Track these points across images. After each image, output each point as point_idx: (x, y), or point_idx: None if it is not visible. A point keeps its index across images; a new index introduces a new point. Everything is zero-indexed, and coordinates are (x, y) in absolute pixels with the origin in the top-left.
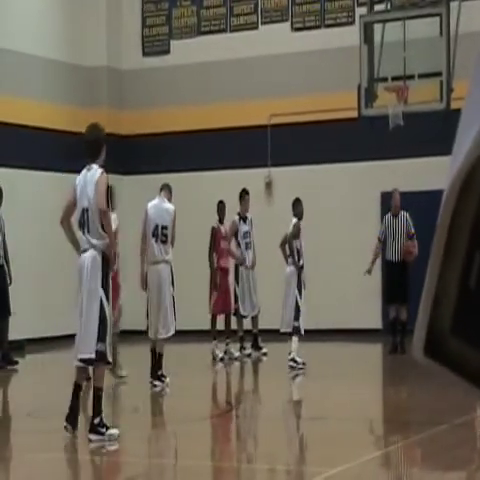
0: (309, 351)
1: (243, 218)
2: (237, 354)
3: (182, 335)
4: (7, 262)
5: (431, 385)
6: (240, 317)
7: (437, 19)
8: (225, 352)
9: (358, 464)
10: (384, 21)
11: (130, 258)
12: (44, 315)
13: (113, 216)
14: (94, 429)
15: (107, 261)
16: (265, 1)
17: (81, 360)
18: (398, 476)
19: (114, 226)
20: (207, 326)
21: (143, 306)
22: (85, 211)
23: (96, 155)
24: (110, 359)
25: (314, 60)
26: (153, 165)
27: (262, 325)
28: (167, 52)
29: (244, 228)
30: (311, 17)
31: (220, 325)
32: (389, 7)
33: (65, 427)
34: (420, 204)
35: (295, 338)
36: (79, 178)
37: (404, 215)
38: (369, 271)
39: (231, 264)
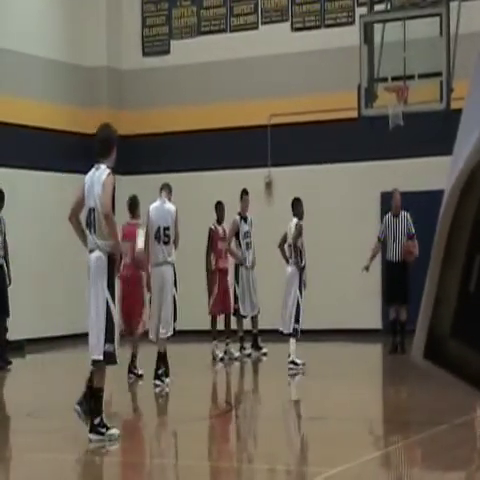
0: (309, 351)
1: (244, 218)
2: (237, 354)
3: (182, 335)
4: (7, 263)
5: (431, 385)
6: (240, 317)
7: (437, 19)
8: (225, 352)
9: (358, 464)
10: (384, 21)
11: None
12: (44, 315)
13: (140, 231)
14: (94, 429)
15: (113, 262)
16: (265, 1)
17: (93, 361)
18: (398, 476)
19: (142, 237)
20: (207, 326)
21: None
22: (92, 211)
23: (106, 154)
24: (118, 360)
25: (314, 60)
26: (153, 165)
27: (262, 325)
28: (167, 52)
29: (245, 228)
30: (311, 17)
31: (220, 325)
32: (389, 7)
33: (78, 412)
34: (420, 204)
35: (293, 340)
36: (87, 177)
37: (404, 215)
38: (366, 268)
39: (230, 264)
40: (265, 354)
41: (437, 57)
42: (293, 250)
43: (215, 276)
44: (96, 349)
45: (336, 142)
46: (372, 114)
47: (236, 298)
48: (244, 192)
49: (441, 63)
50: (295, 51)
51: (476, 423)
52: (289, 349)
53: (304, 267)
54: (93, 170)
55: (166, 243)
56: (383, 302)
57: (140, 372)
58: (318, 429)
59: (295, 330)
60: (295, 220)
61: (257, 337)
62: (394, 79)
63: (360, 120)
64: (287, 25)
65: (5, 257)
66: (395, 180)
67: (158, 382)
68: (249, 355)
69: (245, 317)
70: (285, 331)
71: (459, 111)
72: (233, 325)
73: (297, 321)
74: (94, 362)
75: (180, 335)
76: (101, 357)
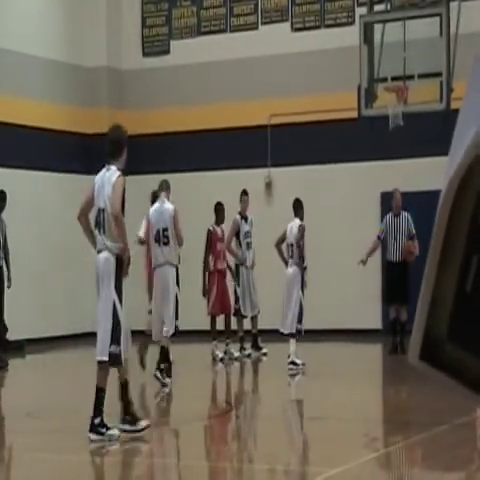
0: (309, 351)
1: (244, 218)
2: (237, 354)
3: (182, 335)
4: (8, 265)
5: (431, 385)
6: (241, 317)
7: (437, 19)
8: (225, 352)
9: (358, 464)
10: (384, 21)
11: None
12: (43, 315)
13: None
14: (94, 429)
15: (121, 264)
16: (265, 1)
17: (98, 362)
18: (398, 476)
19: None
20: (207, 326)
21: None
22: (101, 211)
23: (117, 155)
24: (123, 361)
25: (314, 60)
26: (153, 165)
27: (262, 325)
28: (167, 52)
29: (245, 228)
30: (311, 17)
31: (220, 325)
32: (389, 7)
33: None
34: (420, 204)
35: (293, 340)
36: (97, 177)
37: (405, 215)
38: (363, 262)
39: (231, 264)
40: (265, 354)
41: (437, 57)
42: (296, 251)
43: (214, 277)
44: (101, 350)
45: (336, 142)
46: (372, 114)
47: (237, 298)
48: (244, 193)
49: (441, 63)
50: (295, 51)
51: (476, 423)
52: (289, 349)
53: (306, 268)
54: (104, 171)
55: (166, 244)
56: (383, 302)
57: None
58: (318, 429)
59: (298, 330)
60: (297, 221)
61: (257, 337)
62: (394, 79)
63: (360, 120)
64: (287, 25)
65: (6, 259)
66: (395, 180)
67: (158, 374)
68: (249, 355)
69: (246, 317)
70: (286, 331)
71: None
72: (233, 325)
73: (300, 321)
74: (99, 363)
75: (180, 335)
76: (106, 358)
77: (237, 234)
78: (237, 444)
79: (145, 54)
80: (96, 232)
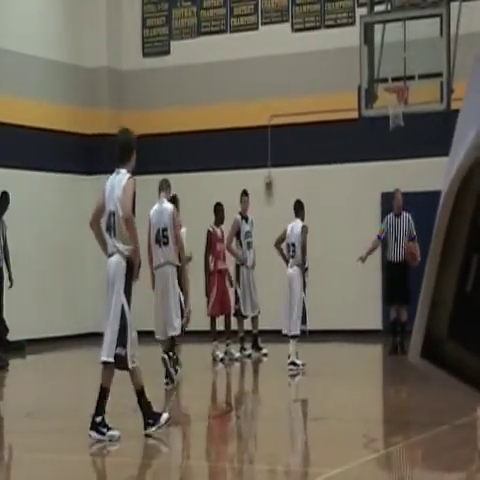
0: (309, 351)
1: (245, 218)
2: (237, 355)
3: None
4: (8, 266)
5: (431, 386)
6: (241, 317)
7: (437, 20)
8: (225, 353)
9: (358, 465)
10: (384, 22)
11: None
12: (44, 315)
13: (182, 230)
14: (95, 427)
15: (131, 267)
16: (265, 2)
17: (102, 362)
18: (399, 477)
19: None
20: (207, 327)
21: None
22: (112, 215)
23: (126, 159)
24: (130, 365)
25: (314, 61)
26: (153, 166)
27: (262, 326)
28: (167, 53)
29: (246, 228)
30: (311, 18)
31: (220, 326)
32: (389, 8)
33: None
34: (420, 205)
35: (293, 341)
36: (108, 182)
37: (406, 216)
38: (362, 259)
39: (231, 264)
40: (265, 355)
41: (437, 58)
42: (300, 252)
43: (214, 277)
44: (108, 351)
45: (336, 143)
46: (372, 115)
47: (237, 298)
48: (244, 193)
49: (441, 64)
50: (295, 52)
51: (477, 424)
52: (289, 350)
53: (307, 268)
54: (113, 175)
55: (165, 244)
56: (383, 303)
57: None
58: (318, 429)
59: (302, 331)
60: (299, 222)
61: (257, 338)
62: (394, 80)
63: (360, 121)
64: (287, 26)
65: (6, 259)
66: (395, 181)
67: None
68: (249, 356)
69: (246, 317)
70: (290, 333)
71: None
72: (233, 326)
73: (304, 322)
74: (104, 363)
75: (181, 335)
76: (111, 359)
77: (237, 234)
78: (237, 444)
79: (145, 54)
80: (107, 235)
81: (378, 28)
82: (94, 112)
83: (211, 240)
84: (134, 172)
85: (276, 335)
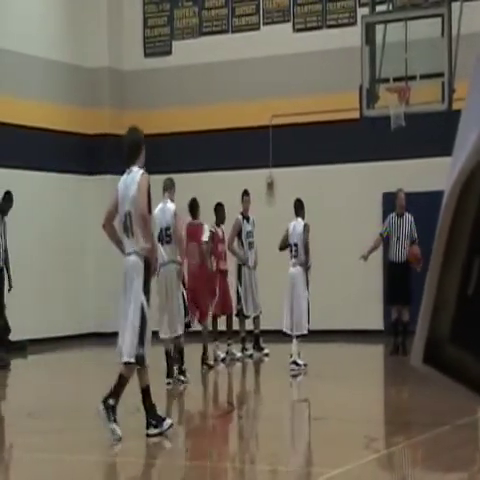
0: (311, 352)
1: (246, 218)
2: (239, 355)
3: (183, 335)
4: (7, 266)
5: (433, 386)
6: (243, 317)
7: (439, 20)
8: (227, 353)
9: (360, 465)
10: (386, 22)
11: None
12: (46, 315)
13: (205, 227)
14: (105, 405)
15: (149, 266)
16: (267, 2)
17: (123, 363)
18: (400, 477)
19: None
20: (209, 327)
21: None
22: (128, 215)
23: (135, 157)
24: (146, 363)
25: (316, 61)
26: (154, 166)
27: (264, 326)
28: (169, 53)
29: (247, 228)
30: (313, 18)
31: (222, 326)
32: (391, 8)
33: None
34: (422, 205)
35: (296, 341)
36: (120, 182)
37: (408, 218)
38: (364, 257)
39: (231, 264)
40: (267, 355)
41: (439, 58)
42: (303, 251)
43: (215, 278)
44: (129, 352)
45: (338, 143)
46: (374, 115)
47: (239, 298)
48: (245, 193)
49: (443, 64)
50: (297, 52)
51: (478, 424)
52: (291, 350)
53: (309, 267)
54: (125, 175)
55: (168, 242)
56: (385, 303)
57: (212, 363)
58: (320, 430)
59: (308, 330)
60: (300, 221)
61: (259, 338)
62: (396, 80)
63: (362, 121)
64: (289, 26)
65: (6, 260)
66: (397, 181)
67: (182, 377)
68: (251, 356)
69: (248, 317)
70: (297, 332)
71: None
72: (235, 326)
73: (308, 322)
74: (126, 364)
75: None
76: (133, 359)
77: (239, 234)
78: (239, 444)
79: (147, 54)
80: (124, 236)
81: (379, 28)
82: (95, 112)
83: (213, 240)
84: None
85: (278, 335)
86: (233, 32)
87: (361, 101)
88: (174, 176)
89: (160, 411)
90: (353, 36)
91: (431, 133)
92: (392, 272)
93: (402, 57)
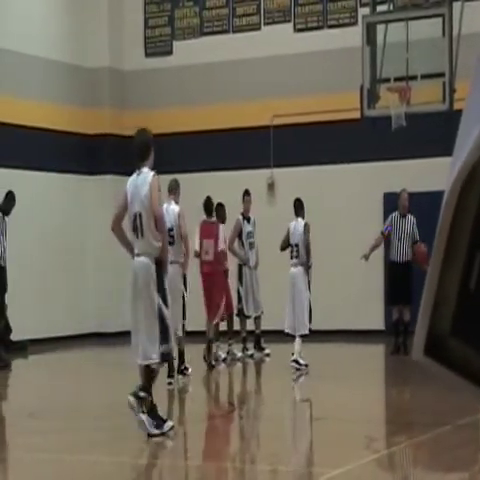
0: (312, 352)
1: (246, 218)
2: (239, 355)
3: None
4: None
5: (434, 386)
6: (244, 317)
7: (440, 20)
8: (228, 353)
9: (360, 465)
10: (387, 22)
11: None
12: (46, 316)
13: (221, 232)
14: (137, 397)
15: (161, 265)
16: (267, 2)
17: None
18: (401, 477)
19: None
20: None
21: None
22: (138, 216)
23: (145, 158)
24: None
25: (316, 61)
26: (155, 166)
27: (265, 326)
28: (169, 53)
29: (248, 228)
30: (313, 18)
31: (223, 326)
32: (392, 8)
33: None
34: (422, 205)
35: (299, 340)
36: (129, 183)
37: (411, 219)
38: (366, 257)
39: (233, 265)
40: (268, 355)
41: (440, 58)
42: (304, 251)
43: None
44: (145, 354)
45: (339, 143)
46: (375, 115)
47: (240, 298)
48: (246, 193)
49: (444, 64)
50: (297, 52)
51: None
52: (294, 348)
53: (310, 266)
54: (134, 175)
55: (171, 243)
56: (386, 303)
57: (214, 362)
58: (320, 430)
59: (310, 330)
60: (300, 220)
61: (260, 338)
62: (397, 80)
63: (363, 121)
64: (290, 26)
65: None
66: (398, 181)
67: (180, 376)
68: (252, 356)
69: (249, 317)
70: (299, 332)
71: (462, 112)
72: (235, 326)
73: (309, 321)
74: (147, 366)
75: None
76: (158, 360)
77: (239, 235)
78: (239, 444)
79: (147, 55)
80: (133, 237)
81: (380, 28)
82: (96, 112)
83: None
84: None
85: (279, 335)
86: (234, 32)
87: (362, 101)
88: (174, 176)
89: (161, 412)
90: (354, 36)
91: (432, 133)
92: (393, 272)
93: (403, 57)
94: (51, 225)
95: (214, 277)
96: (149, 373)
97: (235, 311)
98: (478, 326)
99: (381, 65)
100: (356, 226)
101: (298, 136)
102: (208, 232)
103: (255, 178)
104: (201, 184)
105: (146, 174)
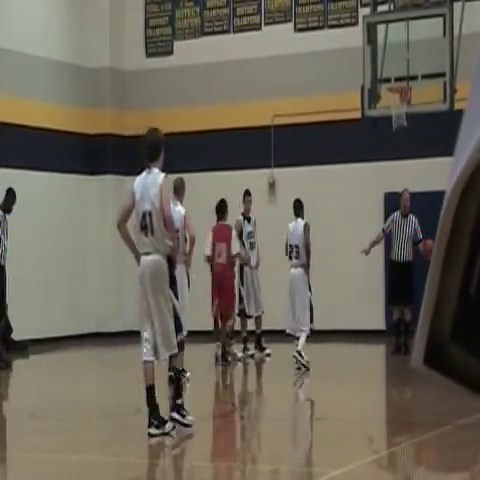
0: (312, 352)
1: (247, 218)
2: (240, 355)
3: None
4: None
5: (434, 386)
6: (245, 317)
7: (440, 20)
8: (228, 353)
9: (361, 465)
10: (387, 22)
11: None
12: (47, 316)
13: (234, 238)
14: (177, 409)
15: (171, 262)
16: (268, 2)
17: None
18: (402, 477)
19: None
20: (210, 327)
21: None
22: (147, 214)
23: (156, 158)
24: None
25: (317, 61)
26: None
27: (265, 326)
28: (170, 53)
29: (248, 228)
30: (314, 18)
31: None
32: (392, 8)
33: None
34: (423, 205)
35: (304, 334)
36: (137, 182)
37: (412, 219)
38: (366, 252)
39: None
40: (269, 355)
41: (440, 58)
42: (304, 252)
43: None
44: (170, 346)
45: (339, 143)
46: (375, 115)
47: (241, 298)
48: (246, 193)
49: (444, 64)
50: (298, 52)
51: None
52: (299, 341)
53: (309, 265)
54: (144, 174)
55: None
56: (386, 303)
57: (229, 358)
58: (321, 430)
59: (311, 330)
60: (300, 221)
61: (261, 338)
62: (397, 80)
63: (363, 121)
64: (290, 26)
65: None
66: (398, 181)
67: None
68: (252, 356)
69: (250, 317)
70: (301, 328)
71: (462, 112)
72: (236, 326)
73: (311, 321)
74: (171, 356)
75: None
76: (176, 350)
77: (240, 235)
78: (240, 444)
79: (148, 55)
80: (142, 235)
81: (381, 28)
82: (97, 112)
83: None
84: (137, 172)
85: (279, 335)
86: (235, 32)
87: (363, 101)
88: (175, 176)
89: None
90: (355, 36)
91: (433, 133)
92: (394, 272)
93: (404, 57)
94: (52, 225)
95: (225, 279)
96: (173, 364)
97: (236, 311)
98: (479, 333)
99: (382, 65)
100: (356, 226)
101: (299, 136)
102: (221, 235)
103: (256, 178)
104: (201, 184)
105: (156, 175)
